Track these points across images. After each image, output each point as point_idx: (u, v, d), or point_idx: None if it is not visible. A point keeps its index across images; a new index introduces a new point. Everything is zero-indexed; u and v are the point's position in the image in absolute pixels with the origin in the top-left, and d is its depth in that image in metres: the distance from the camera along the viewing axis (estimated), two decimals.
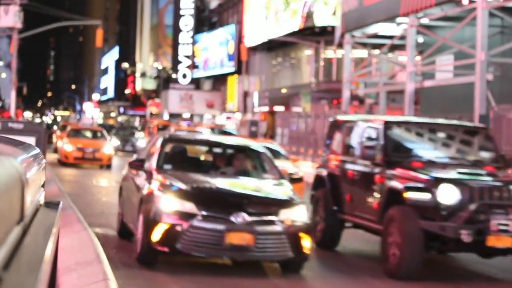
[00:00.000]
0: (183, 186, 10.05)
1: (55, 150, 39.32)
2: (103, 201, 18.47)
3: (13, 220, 1.97)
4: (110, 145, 31.36)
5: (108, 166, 30.46)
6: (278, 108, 47.92)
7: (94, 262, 7.72)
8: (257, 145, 12.51)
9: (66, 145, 30.53)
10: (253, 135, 36.73)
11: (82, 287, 7.02)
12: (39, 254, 2.10)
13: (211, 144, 12.53)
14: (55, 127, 63.04)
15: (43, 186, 3.17)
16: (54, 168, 26.03)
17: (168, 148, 11.63)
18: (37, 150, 3.19)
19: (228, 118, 57.90)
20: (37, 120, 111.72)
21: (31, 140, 11.97)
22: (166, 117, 67.50)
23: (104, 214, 15.59)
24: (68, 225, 10.01)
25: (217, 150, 12.25)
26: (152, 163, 10.98)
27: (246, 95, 56.22)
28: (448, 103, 28.29)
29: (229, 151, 12.02)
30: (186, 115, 67.52)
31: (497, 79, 24.11)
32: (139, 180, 11.07)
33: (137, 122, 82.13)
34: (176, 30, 72.53)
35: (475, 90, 22.83)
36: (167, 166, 11.06)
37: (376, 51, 33.87)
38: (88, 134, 33.23)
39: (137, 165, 11.32)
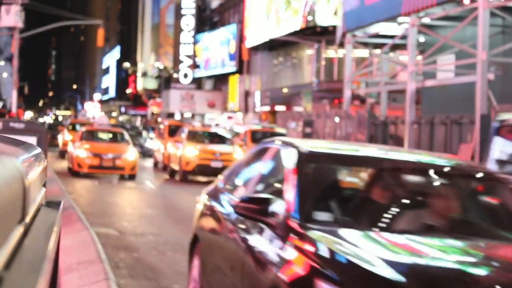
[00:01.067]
0: (383, 268, 4.32)
1: (62, 155, 35.00)
2: (105, 200, 18.46)
3: (15, 220, 1.97)
4: (133, 150, 25.56)
5: (132, 177, 24.79)
6: (279, 108, 47.92)
7: (95, 261, 7.72)
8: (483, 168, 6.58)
9: (79, 151, 24.75)
10: (308, 138, 27.04)
11: (83, 287, 7.02)
12: (40, 253, 2.10)
13: (401, 166, 5.90)
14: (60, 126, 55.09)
15: (44, 185, 3.18)
16: (64, 180, 21.47)
17: (309, 174, 5.71)
18: (38, 150, 3.20)
19: (229, 117, 57.93)
20: (41, 120, 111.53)
21: (32, 139, 11.99)
22: (177, 116, 64.20)
23: (106, 214, 15.59)
24: (69, 225, 10.01)
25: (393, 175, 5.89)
26: (291, 209, 5.22)
27: (247, 94, 56.24)
28: (449, 103, 28.30)
29: (423, 178, 5.96)
30: (187, 114, 67.50)
31: (498, 79, 24.10)
32: (257, 240, 5.41)
33: (138, 122, 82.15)
34: (177, 30, 72.59)
35: (476, 90, 22.82)
36: (322, 216, 5.28)
37: (377, 51, 33.87)
38: (106, 136, 27.45)
39: (252, 209, 5.34)
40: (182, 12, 70.97)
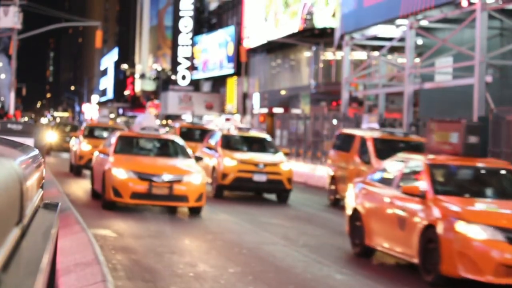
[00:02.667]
0: None
1: (76, 170, 25.77)
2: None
3: (12, 222, 1.97)
4: (199, 169, 16.83)
5: (196, 210, 16.36)
6: (277, 110, 47.93)
7: (93, 263, 7.71)
8: None
9: (117, 170, 16.15)
10: (473, 152, 13.23)
11: None
12: (38, 255, 2.10)
13: None
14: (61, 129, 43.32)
15: (42, 187, 3.18)
16: (89, 216, 14.01)
17: None
18: (36, 152, 3.19)
19: (227, 119, 57.88)
20: (43, 121, 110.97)
21: (29, 141, 12.00)
22: (189, 119, 57.81)
23: (103, 215, 15.57)
24: (66, 226, 10.00)
25: None
26: None
27: (245, 96, 56.23)
28: (447, 105, 28.30)
29: None
30: (185, 116, 67.48)
31: (496, 81, 24.12)
32: None
33: None
34: (176, 32, 72.59)
35: (474, 92, 22.85)
36: None
37: (375, 53, 33.89)
38: (152, 147, 18.43)
39: None
40: (180, 14, 70.99)
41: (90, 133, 27.98)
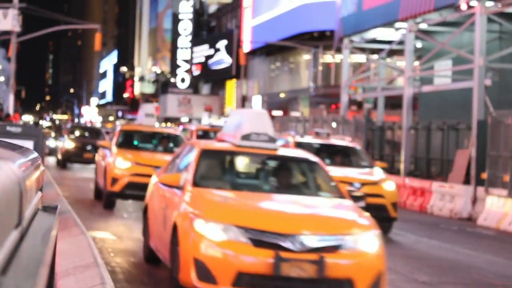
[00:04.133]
0: None
1: (105, 200, 16.64)
2: (101, 204, 18.40)
3: (11, 224, 1.97)
4: (369, 223, 8.02)
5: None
6: (276, 113, 47.94)
7: (92, 266, 7.71)
8: None
9: (203, 224, 7.56)
10: None
11: None
12: (37, 258, 2.10)
13: None
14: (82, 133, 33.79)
15: (41, 190, 3.18)
16: None
17: None
18: (35, 154, 3.19)
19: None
20: (46, 124, 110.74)
21: (28, 144, 11.99)
22: (205, 121, 55.16)
23: (102, 218, 15.55)
24: (65, 229, 10.00)
25: None
26: None
27: (244, 99, 56.24)
28: (446, 109, 28.32)
29: None
30: (185, 119, 67.52)
31: (496, 85, 24.13)
32: None
33: None
34: (175, 34, 72.65)
35: (473, 96, 22.85)
36: None
37: (375, 56, 33.91)
38: (266, 174, 9.42)
39: None
40: (180, 16, 71.05)
41: (127, 142, 17.74)
